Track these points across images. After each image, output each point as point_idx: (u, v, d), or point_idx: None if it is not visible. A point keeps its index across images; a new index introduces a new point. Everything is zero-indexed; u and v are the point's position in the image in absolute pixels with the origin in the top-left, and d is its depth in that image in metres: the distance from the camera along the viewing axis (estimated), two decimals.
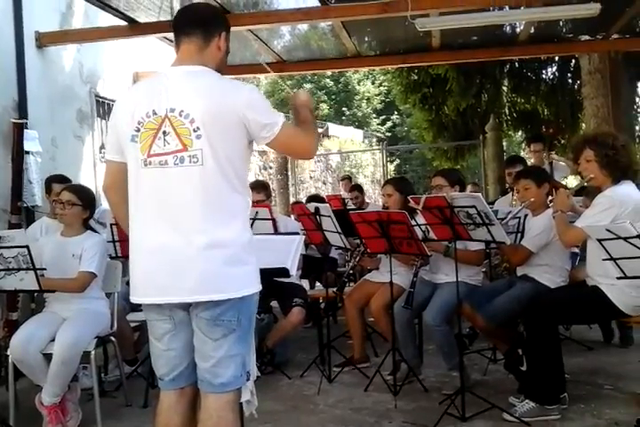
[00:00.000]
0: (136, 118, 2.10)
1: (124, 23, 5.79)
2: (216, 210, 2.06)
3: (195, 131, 2.04)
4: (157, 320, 2.17)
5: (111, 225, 4.31)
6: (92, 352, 3.39)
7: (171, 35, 3.07)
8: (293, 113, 2.34)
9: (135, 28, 5.81)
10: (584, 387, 3.76)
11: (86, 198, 3.64)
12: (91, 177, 6.44)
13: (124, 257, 4.08)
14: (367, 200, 8.18)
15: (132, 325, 4.27)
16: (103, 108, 6.85)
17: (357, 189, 7.81)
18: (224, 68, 2.26)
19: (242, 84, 2.19)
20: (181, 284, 2.04)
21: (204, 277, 2.03)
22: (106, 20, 6.07)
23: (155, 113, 2.08)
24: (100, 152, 6.55)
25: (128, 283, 4.16)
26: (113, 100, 7.22)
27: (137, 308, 4.49)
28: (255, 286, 2.15)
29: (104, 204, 6.02)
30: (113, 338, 3.69)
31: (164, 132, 2.07)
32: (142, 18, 5.76)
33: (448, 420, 3.23)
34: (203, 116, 2.04)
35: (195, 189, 2.05)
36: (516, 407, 3.32)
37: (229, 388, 2.11)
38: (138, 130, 2.10)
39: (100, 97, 6.78)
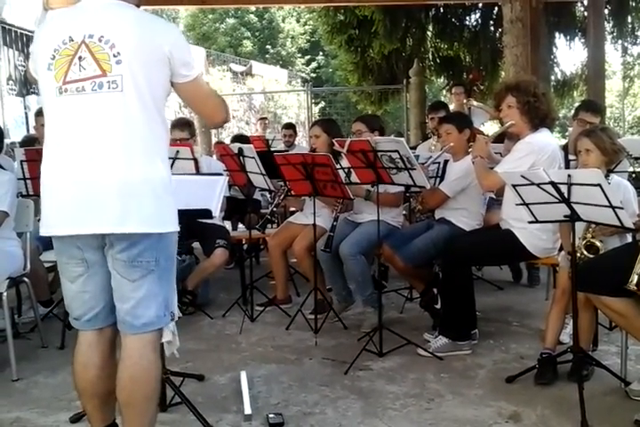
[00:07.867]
0: (52, 46, 2.02)
1: None
2: (135, 140, 2.00)
3: (115, 56, 1.97)
4: (68, 264, 2.12)
5: (21, 162, 4.09)
6: (4, 293, 3.27)
7: None
8: None
9: None
10: (494, 324, 3.97)
11: None
12: None
13: (36, 195, 3.90)
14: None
15: (47, 265, 4.12)
16: (10, 35, 6.38)
17: (291, 127, 7.79)
18: (142, 3, 2.21)
19: (170, 23, 2.19)
20: (96, 216, 1.97)
21: (121, 209, 1.96)
22: None
23: (71, 39, 2.00)
24: (8, 83, 6.14)
25: None
26: (22, 28, 6.71)
27: (51, 248, 4.34)
28: (173, 225, 2.11)
29: (13, 139, 5.69)
30: (26, 279, 3.56)
31: (80, 58, 1.99)
32: None
33: (366, 356, 3.34)
34: (126, 42, 1.98)
35: (113, 116, 1.98)
36: (430, 343, 3.48)
37: (151, 328, 2.08)
38: (53, 57, 2.01)
39: (7, 24, 6.31)
